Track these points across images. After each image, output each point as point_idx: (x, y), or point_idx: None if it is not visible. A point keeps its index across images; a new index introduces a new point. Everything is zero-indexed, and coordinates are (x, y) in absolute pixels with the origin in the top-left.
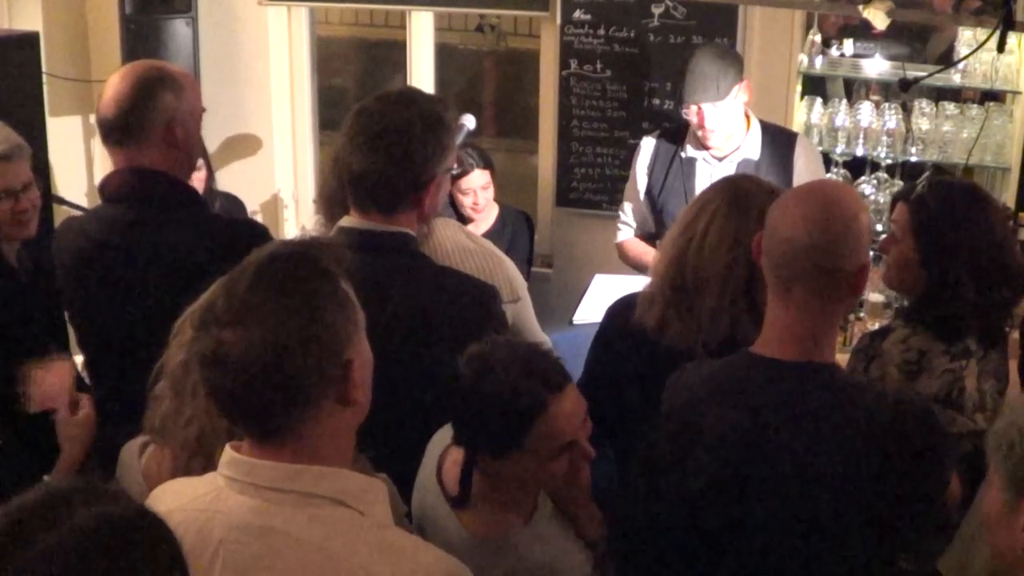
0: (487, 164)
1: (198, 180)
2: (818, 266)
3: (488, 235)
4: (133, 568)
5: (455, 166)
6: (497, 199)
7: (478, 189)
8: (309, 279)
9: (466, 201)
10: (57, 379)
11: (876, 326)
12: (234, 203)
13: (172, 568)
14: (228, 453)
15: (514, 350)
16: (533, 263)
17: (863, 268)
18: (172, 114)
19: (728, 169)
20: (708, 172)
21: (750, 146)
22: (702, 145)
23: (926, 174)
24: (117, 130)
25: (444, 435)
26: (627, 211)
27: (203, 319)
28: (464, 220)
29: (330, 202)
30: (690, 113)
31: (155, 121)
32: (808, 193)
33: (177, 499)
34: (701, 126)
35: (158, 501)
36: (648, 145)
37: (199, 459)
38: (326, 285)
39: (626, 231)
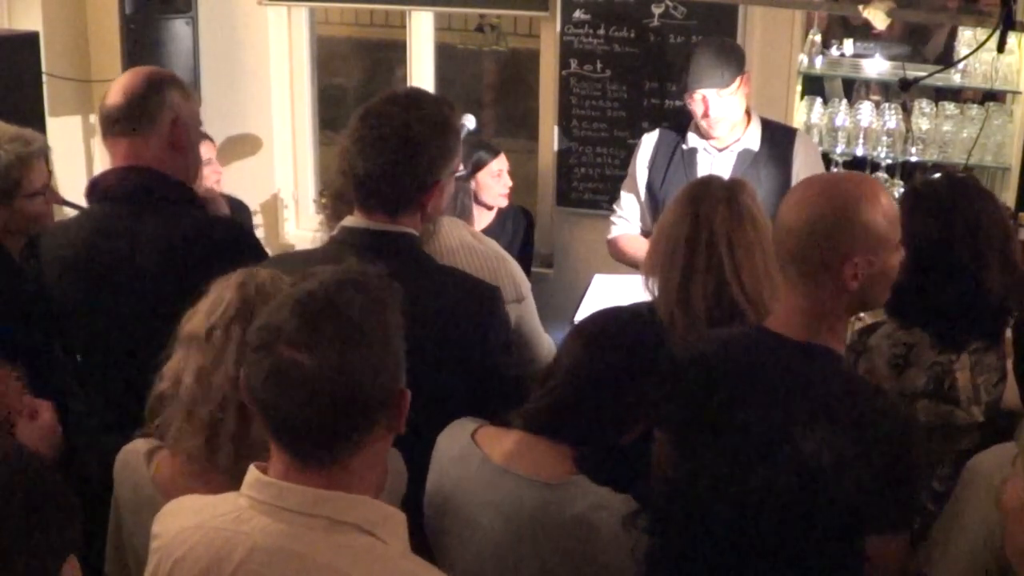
0: (497, 152)
1: (214, 180)
2: (799, 252)
3: (488, 232)
4: None
5: (460, 169)
6: None
7: (504, 171)
8: (379, 309)
9: (497, 187)
10: None
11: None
12: (238, 207)
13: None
14: (254, 474)
15: None
16: (532, 262)
17: (846, 261)
18: (178, 112)
19: (728, 159)
20: (709, 162)
21: (750, 138)
22: (704, 135)
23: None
24: (125, 119)
25: (456, 428)
26: (623, 204)
27: (267, 338)
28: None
29: (338, 199)
30: (694, 102)
31: (163, 115)
32: (812, 182)
33: (196, 516)
34: (705, 115)
35: (174, 516)
36: (649, 140)
37: (210, 464)
38: (391, 315)
39: (621, 225)
